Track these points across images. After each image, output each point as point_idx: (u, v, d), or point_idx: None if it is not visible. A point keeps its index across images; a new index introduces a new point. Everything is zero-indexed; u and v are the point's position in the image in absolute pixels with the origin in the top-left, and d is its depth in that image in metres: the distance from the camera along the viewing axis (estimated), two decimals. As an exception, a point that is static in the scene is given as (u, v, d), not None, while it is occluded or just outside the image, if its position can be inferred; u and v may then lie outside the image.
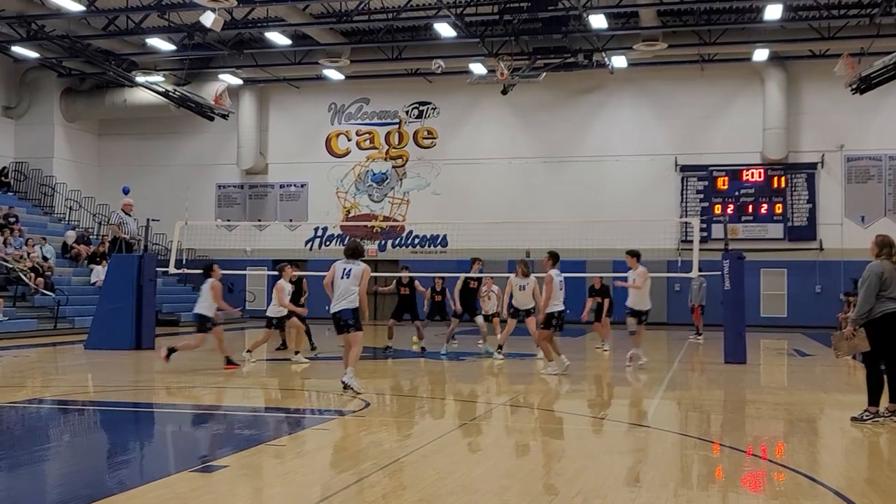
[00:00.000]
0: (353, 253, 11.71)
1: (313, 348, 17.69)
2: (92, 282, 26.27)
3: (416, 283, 19.01)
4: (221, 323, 15.55)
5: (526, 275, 16.23)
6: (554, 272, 14.36)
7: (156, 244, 29.14)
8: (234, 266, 29.80)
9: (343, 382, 11.54)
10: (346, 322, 11.48)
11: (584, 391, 13.19)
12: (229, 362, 14.78)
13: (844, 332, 9.62)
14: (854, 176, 28.81)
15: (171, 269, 20.32)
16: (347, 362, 11.65)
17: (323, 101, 32.86)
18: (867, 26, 25.17)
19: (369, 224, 31.58)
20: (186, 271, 21.81)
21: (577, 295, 20.29)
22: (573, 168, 30.51)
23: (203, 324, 14.87)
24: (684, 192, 29.69)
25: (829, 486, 6.75)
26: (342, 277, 11.47)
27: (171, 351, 14.58)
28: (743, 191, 29.26)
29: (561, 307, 14.38)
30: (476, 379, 14.68)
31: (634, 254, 16.05)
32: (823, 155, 28.89)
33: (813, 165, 28.97)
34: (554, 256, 14.66)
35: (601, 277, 19.96)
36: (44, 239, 26.86)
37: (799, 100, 29.11)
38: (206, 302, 14.90)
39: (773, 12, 23.78)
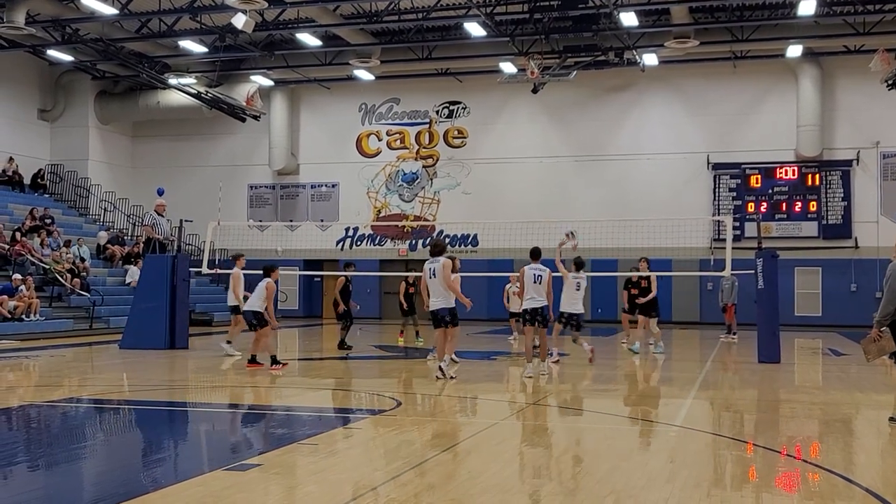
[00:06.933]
0: (436, 250, 12.70)
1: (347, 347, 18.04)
2: (126, 282, 26.57)
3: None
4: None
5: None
6: (572, 275, 15.36)
7: (189, 244, 29.39)
8: (267, 266, 30.11)
9: (441, 368, 12.63)
10: (443, 318, 12.60)
11: (615, 390, 13.13)
12: (253, 361, 14.76)
13: (871, 335, 9.44)
14: (890, 173, 28.39)
15: (205, 269, 20.51)
16: (443, 352, 12.77)
17: (353, 102, 32.96)
18: (903, 21, 24.86)
19: (400, 224, 31.64)
20: (219, 271, 22.02)
21: (611, 294, 20.26)
22: (605, 167, 30.37)
23: (260, 320, 14.76)
24: (717, 190, 29.44)
25: (866, 487, 6.67)
26: (430, 277, 12.53)
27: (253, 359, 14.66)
28: (776, 188, 28.94)
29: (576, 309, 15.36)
30: (507, 378, 14.67)
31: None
32: (859, 152, 28.52)
33: (848, 162, 28.59)
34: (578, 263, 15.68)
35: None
36: (80, 240, 27.19)
37: (833, 96, 28.75)
38: (259, 300, 14.78)
39: (806, 8, 23.49)
